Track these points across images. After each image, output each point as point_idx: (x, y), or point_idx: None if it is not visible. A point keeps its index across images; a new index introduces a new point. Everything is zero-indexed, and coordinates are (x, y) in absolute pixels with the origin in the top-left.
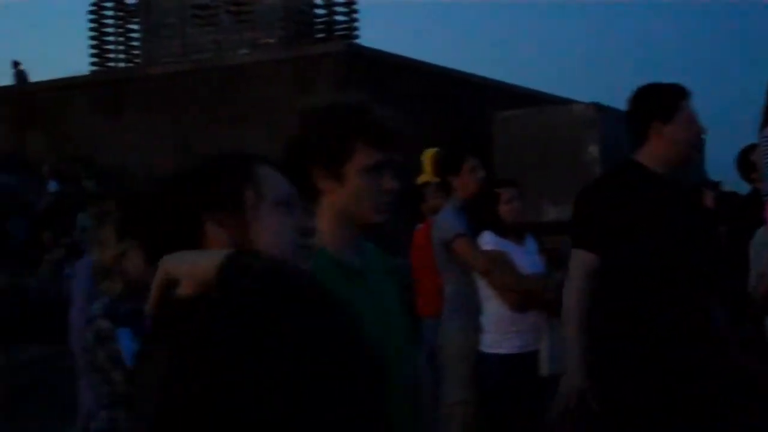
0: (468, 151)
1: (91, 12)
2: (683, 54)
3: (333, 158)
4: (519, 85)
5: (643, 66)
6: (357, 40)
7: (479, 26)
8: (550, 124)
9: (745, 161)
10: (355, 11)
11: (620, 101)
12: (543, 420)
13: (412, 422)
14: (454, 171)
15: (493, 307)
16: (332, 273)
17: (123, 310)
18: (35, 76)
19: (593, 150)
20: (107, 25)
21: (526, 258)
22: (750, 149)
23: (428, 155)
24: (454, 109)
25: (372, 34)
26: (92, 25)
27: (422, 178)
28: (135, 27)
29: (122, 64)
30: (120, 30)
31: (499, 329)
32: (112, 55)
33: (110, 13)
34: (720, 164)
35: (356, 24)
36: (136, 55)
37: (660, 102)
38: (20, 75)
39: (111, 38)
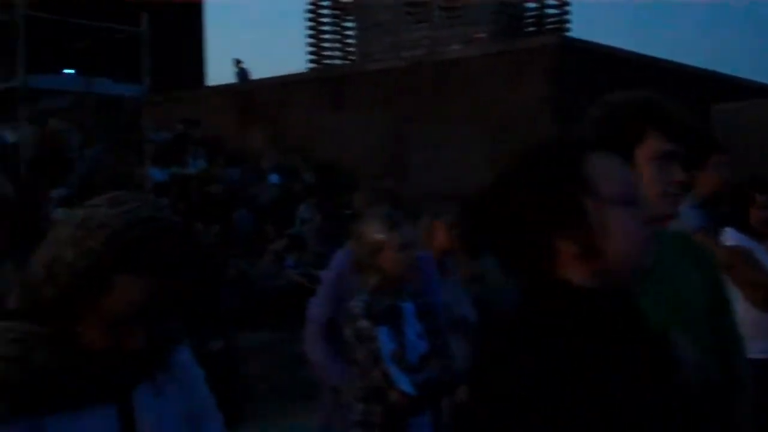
0: (715, 146)
1: (309, 11)
2: None
3: (624, 142)
4: (738, 76)
5: None
6: (568, 33)
7: (692, 17)
8: None
9: None
10: (567, 4)
11: None
12: None
13: None
14: (697, 165)
15: (738, 309)
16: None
17: (380, 306)
18: (256, 73)
19: None
20: (324, 24)
21: None
22: None
23: None
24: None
25: (582, 27)
26: (310, 24)
27: None
28: (350, 25)
29: (338, 62)
30: (336, 28)
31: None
32: (328, 53)
33: (326, 12)
34: None
35: (567, 17)
36: (351, 53)
37: None
38: (242, 73)
39: (327, 36)
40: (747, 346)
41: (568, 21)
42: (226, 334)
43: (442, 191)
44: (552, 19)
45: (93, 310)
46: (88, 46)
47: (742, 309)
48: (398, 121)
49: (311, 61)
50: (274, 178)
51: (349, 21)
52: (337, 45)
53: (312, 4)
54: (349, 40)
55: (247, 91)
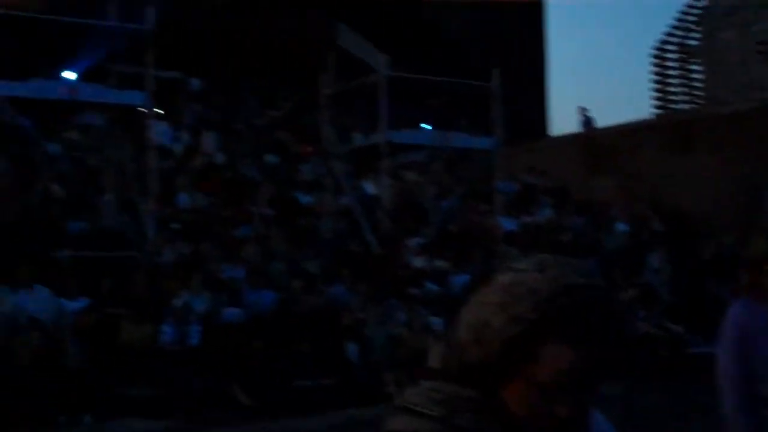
0: None
1: (654, 57)
2: None
3: None
4: None
5: None
6: None
7: None
8: None
9: None
10: None
11: None
12: None
13: None
14: None
15: None
16: None
17: None
18: (600, 121)
19: None
20: (669, 68)
21: None
22: None
23: None
24: None
25: None
26: (655, 69)
27: None
28: (696, 68)
29: (685, 106)
30: (682, 72)
31: None
32: (674, 97)
33: (672, 56)
34: None
35: None
36: (698, 96)
37: None
38: (587, 121)
39: (673, 80)
40: None
41: None
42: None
43: None
44: None
45: (519, 377)
46: (444, 102)
47: None
48: (752, 165)
49: (657, 106)
50: (621, 226)
51: (695, 64)
52: (684, 89)
53: (657, 49)
54: (696, 84)
55: (592, 138)
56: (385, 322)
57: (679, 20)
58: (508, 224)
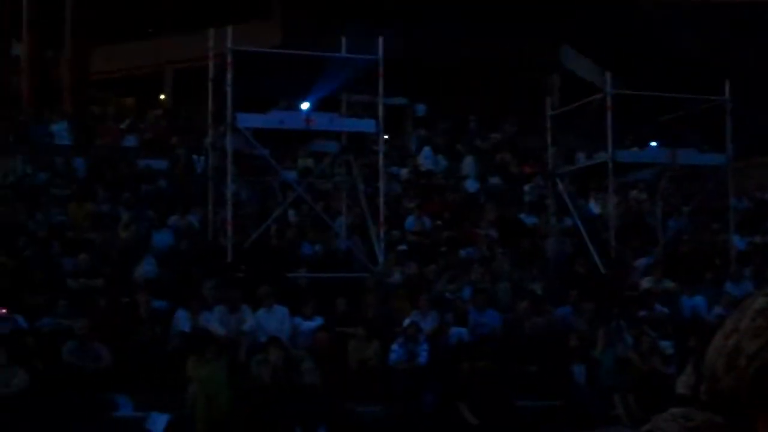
0: None
1: None
2: None
3: None
4: None
5: None
6: None
7: None
8: None
9: None
10: None
11: None
12: None
13: None
14: None
15: None
16: None
17: None
18: None
19: None
20: None
21: None
22: None
23: None
24: None
25: None
26: None
27: None
28: None
29: None
30: None
31: None
32: None
33: None
34: None
35: None
36: None
37: None
38: None
39: None
40: None
41: None
42: None
43: None
44: None
45: None
46: (673, 118)
47: None
48: None
49: None
50: None
51: None
52: None
53: None
54: None
55: None
56: (613, 344)
57: None
58: (740, 243)
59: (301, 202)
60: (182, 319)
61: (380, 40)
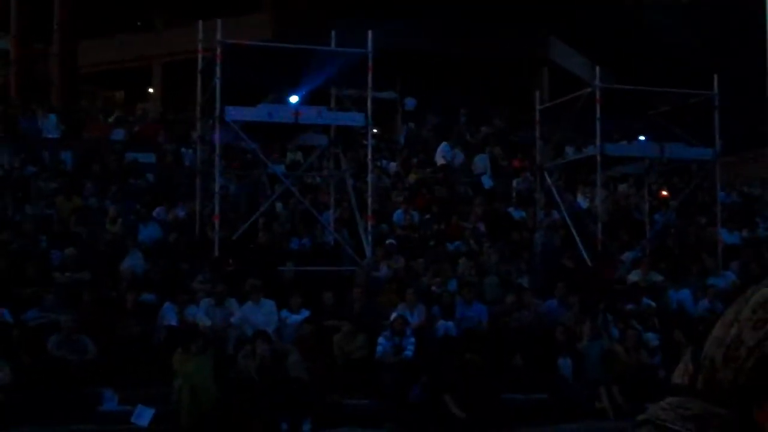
0: None
1: None
2: None
3: None
4: None
5: None
6: None
7: None
8: None
9: None
10: None
11: None
12: None
13: None
14: None
15: None
16: None
17: None
18: None
19: None
20: None
21: None
22: None
23: None
24: None
25: None
26: None
27: None
28: None
29: None
30: None
31: None
32: None
33: None
34: None
35: None
36: None
37: None
38: None
39: None
40: None
41: None
42: None
43: None
44: None
45: None
46: (661, 112)
47: None
48: None
49: None
50: None
51: None
52: None
53: None
54: None
55: None
56: (599, 338)
57: None
58: (728, 237)
59: (289, 195)
60: (169, 313)
61: (370, 33)
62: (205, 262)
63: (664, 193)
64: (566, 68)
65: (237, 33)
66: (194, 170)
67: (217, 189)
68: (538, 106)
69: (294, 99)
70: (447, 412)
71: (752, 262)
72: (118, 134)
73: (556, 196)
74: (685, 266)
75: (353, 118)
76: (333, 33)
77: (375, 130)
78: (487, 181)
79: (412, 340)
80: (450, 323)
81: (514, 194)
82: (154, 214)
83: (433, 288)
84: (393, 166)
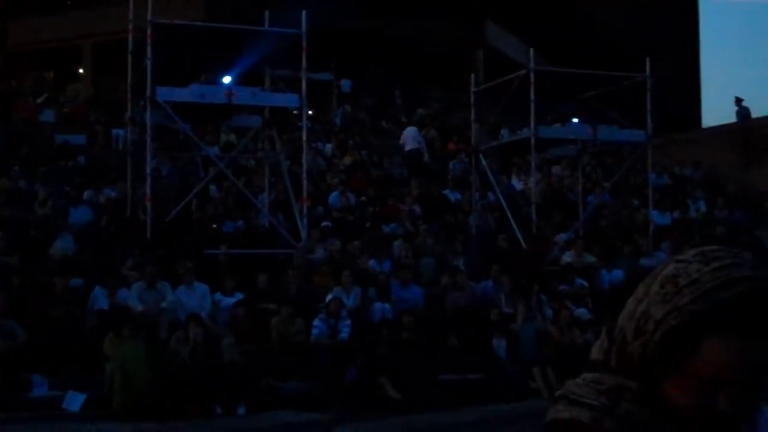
0: None
1: None
2: None
3: None
4: None
5: None
6: None
7: None
8: None
9: None
10: None
11: None
12: None
13: None
14: None
15: None
16: None
17: None
18: (755, 111)
19: None
20: None
21: None
22: None
23: None
24: None
25: None
26: None
27: None
28: None
29: None
30: None
31: None
32: None
33: None
34: None
35: None
36: None
37: None
38: (743, 111)
39: None
40: None
41: None
42: None
43: None
44: None
45: (681, 370)
46: (594, 95)
47: None
48: None
49: None
50: None
51: None
52: None
53: None
54: None
55: (750, 130)
56: (533, 318)
57: None
58: (659, 218)
59: (222, 177)
60: (100, 297)
61: (304, 14)
62: (136, 245)
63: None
64: (502, 51)
65: (168, 12)
66: (125, 152)
67: (148, 171)
68: (473, 89)
69: (227, 80)
70: (383, 393)
71: (683, 242)
72: (48, 115)
73: (491, 178)
74: (618, 247)
75: (287, 99)
76: (266, 13)
77: (310, 112)
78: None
79: (348, 322)
80: (386, 305)
81: (450, 176)
82: (85, 196)
83: (369, 270)
84: (329, 147)
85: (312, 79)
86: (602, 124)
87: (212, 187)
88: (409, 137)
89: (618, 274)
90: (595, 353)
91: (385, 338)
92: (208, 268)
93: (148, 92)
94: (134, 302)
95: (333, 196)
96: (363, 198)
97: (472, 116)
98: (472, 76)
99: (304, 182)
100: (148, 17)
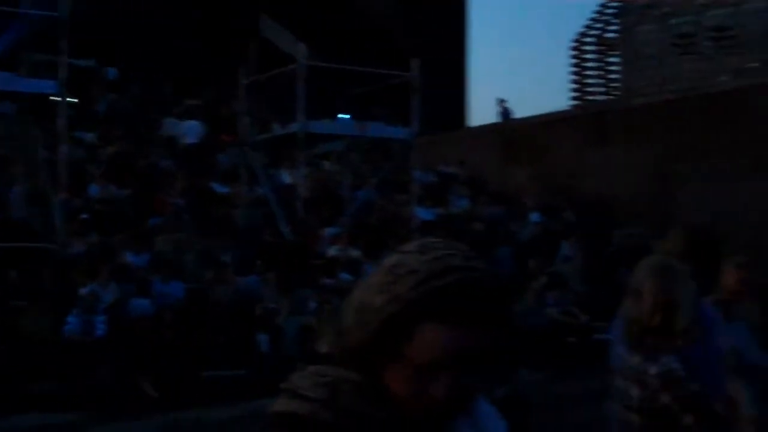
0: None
1: (573, 48)
2: None
3: None
4: None
5: None
6: None
7: None
8: None
9: None
10: None
11: None
12: None
13: None
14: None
15: None
16: None
17: None
18: (519, 113)
19: None
20: (587, 60)
21: None
22: None
23: None
24: None
25: None
26: (574, 61)
27: None
28: (614, 60)
29: (601, 97)
30: (600, 64)
31: None
32: (591, 89)
33: (590, 48)
34: None
35: None
36: (615, 88)
37: None
38: (505, 112)
39: (591, 72)
40: None
41: None
42: (511, 379)
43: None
44: None
45: (399, 357)
46: (363, 92)
47: None
48: (665, 156)
49: (574, 98)
50: (535, 216)
51: (613, 56)
52: (601, 81)
53: (576, 41)
54: (613, 76)
55: (510, 129)
56: (297, 313)
57: (599, 12)
58: (424, 214)
59: None
60: None
61: None
62: None
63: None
64: (275, 44)
65: None
66: None
67: None
68: (243, 81)
69: None
70: (141, 392)
71: (445, 237)
72: None
73: (260, 171)
74: (382, 242)
75: (44, 86)
76: None
77: (72, 100)
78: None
79: (103, 318)
80: (145, 301)
81: (218, 169)
82: None
83: (129, 265)
84: (90, 137)
85: (74, 65)
86: (371, 121)
87: None
88: (189, 131)
89: None
90: (323, 346)
91: (143, 335)
92: None
93: None
94: None
95: (93, 188)
96: (126, 190)
97: (243, 109)
98: (243, 68)
99: (63, 173)
100: None
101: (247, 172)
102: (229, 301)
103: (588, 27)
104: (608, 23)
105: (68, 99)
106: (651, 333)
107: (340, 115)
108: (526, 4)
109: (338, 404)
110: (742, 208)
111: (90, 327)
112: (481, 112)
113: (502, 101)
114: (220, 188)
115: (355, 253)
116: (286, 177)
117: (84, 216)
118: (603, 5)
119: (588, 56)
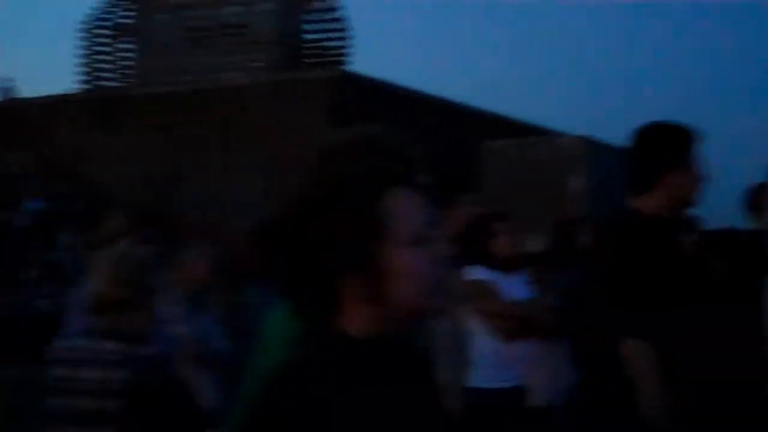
0: (461, 184)
1: (82, 30)
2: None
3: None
4: (509, 116)
5: (635, 100)
6: (348, 67)
7: (470, 56)
8: (538, 156)
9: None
10: (348, 38)
11: (610, 134)
12: None
13: None
14: (444, 204)
15: (482, 341)
16: None
17: None
18: (25, 93)
19: (579, 183)
20: (99, 44)
21: (517, 288)
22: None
23: None
24: (443, 138)
25: (364, 61)
26: (84, 44)
27: None
28: (128, 46)
29: (113, 83)
30: (111, 49)
31: (489, 363)
32: (102, 74)
33: (102, 32)
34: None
35: (348, 50)
36: (128, 75)
37: (669, 147)
38: (7, 91)
39: (103, 57)
40: (487, 375)
41: (348, 54)
42: None
43: (216, 220)
44: (333, 52)
45: None
46: None
47: (484, 339)
48: (175, 147)
49: (83, 81)
50: (34, 202)
51: (127, 42)
52: (113, 66)
53: (87, 24)
54: (127, 62)
55: (11, 109)
56: None
57: None
58: None
59: None
60: None
61: None
62: None
63: None
64: None
65: None
66: None
67: None
68: None
69: None
70: None
71: None
72: None
73: None
74: None
75: None
76: None
77: None
78: None
79: None
80: None
81: None
82: None
83: None
84: None
85: None
86: None
87: None
88: None
89: None
90: None
91: None
92: None
93: None
94: None
95: None
96: None
97: None
98: None
99: None
100: None
101: None
102: None
103: (103, 10)
104: (125, 9)
105: None
106: (108, 315)
107: None
108: None
109: None
110: (235, 199)
111: None
112: None
113: (5, 79)
114: None
115: None
116: None
117: None
118: None
119: (100, 40)
